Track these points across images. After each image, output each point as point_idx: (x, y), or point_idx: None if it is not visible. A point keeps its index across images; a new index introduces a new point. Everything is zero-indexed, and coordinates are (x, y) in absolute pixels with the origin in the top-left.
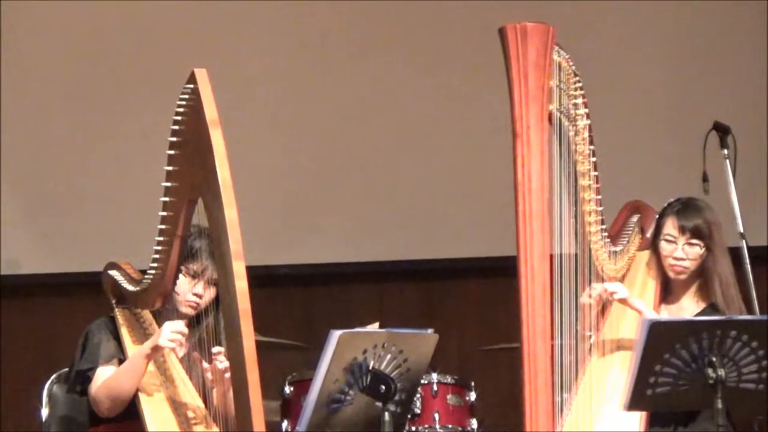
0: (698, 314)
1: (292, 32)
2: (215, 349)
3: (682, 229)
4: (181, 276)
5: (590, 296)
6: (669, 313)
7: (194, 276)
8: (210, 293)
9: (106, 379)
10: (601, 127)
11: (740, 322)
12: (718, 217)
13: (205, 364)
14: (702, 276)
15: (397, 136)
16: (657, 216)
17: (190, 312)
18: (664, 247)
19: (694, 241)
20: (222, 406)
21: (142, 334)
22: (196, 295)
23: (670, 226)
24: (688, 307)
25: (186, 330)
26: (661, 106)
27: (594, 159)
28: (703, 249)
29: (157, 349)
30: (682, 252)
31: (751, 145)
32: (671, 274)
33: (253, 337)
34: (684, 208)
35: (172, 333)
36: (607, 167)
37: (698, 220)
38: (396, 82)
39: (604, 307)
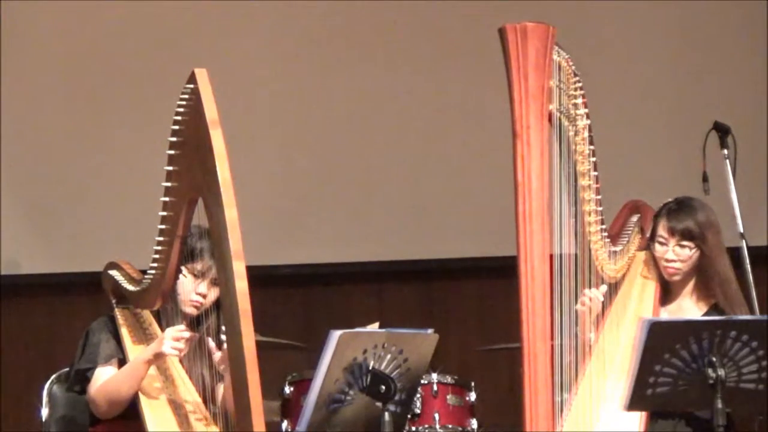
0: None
1: (293, 33)
2: (224, 336)
3: (672, 231)
4: (185, 275)
5: (583, 304)
6: (668, 313)
7: (198, 275)
8: (214, 293)
9: (104, 382)
10: (601, 127)
11: (740, 322)
12: (714, 216)
13: (218, 354)
14: (700, 276)
15: (396, 136)
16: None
17: (194, 312)
18: (657, 249)
19: (685, 243)
20: (229, 399)
21: (142, 334)
22: (200, 294)
23: (662, 228)
24: (687, 308)
25: (187, 334)
26: (661, 106)
27: (594, 159)
28: (694, 250)
29: (159, 355)
30: (673, 254)
31: (751, 145)
32: (665, 276)
33: (253, 337)
34: (676, 209)
35: (174, 340)
36: (607, 167)
37: (688, 222)
38: (396, 82)
39: (603, 307)
